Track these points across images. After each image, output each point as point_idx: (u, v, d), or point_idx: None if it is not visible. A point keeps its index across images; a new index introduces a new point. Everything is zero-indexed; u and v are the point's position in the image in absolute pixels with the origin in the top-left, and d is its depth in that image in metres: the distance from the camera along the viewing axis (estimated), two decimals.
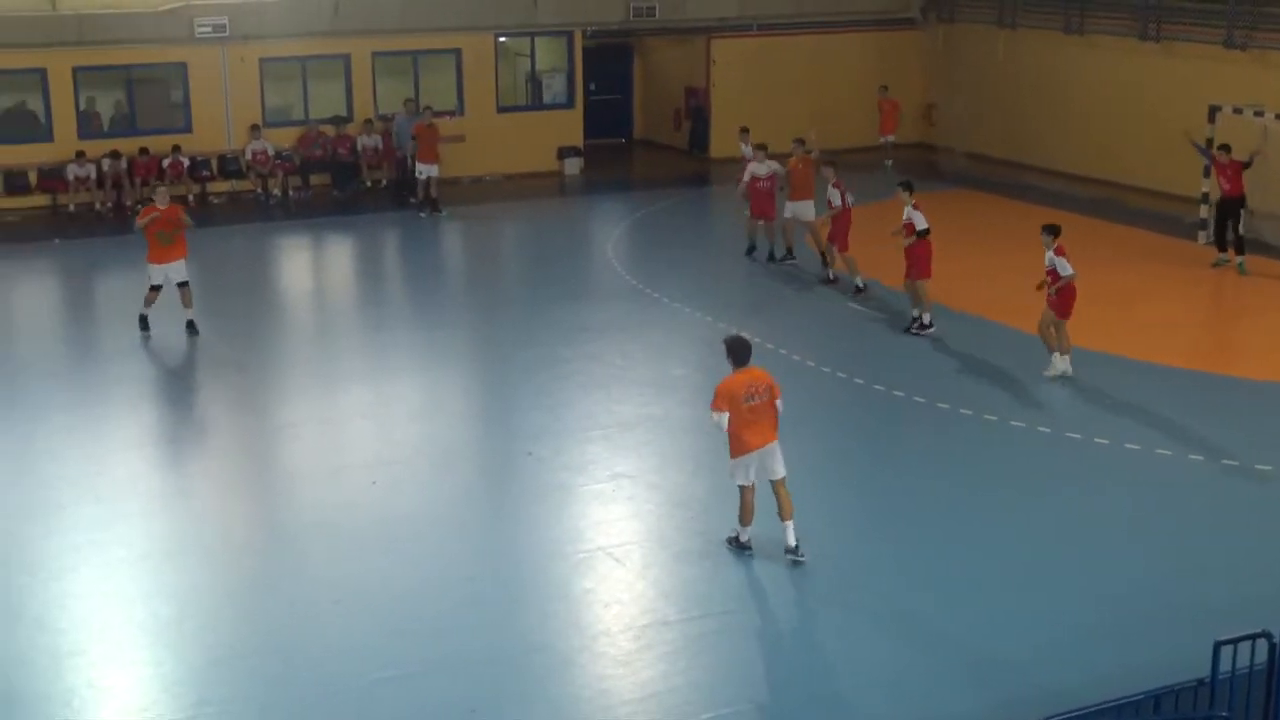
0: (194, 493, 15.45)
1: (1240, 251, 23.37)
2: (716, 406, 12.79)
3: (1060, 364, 18.03)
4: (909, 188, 20.24)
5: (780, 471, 12.99)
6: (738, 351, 12.94)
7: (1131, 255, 24.52)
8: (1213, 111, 24.98)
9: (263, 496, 15.46)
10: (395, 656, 11.68)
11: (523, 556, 13.59)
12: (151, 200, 21.09)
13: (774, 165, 23.54)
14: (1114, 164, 29.28)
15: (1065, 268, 17.74)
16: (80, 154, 28.26)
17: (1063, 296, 17.85)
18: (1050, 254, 17.85)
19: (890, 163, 31.90)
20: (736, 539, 13.30)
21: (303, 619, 12.38)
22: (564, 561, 13.40)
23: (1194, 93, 26.66)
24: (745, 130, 25.61)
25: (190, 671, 11.57)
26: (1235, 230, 23.41)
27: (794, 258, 23.89)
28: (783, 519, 13.09)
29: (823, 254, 23.00)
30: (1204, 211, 24.95)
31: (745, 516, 13.17)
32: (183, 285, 20.38)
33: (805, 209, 23.44)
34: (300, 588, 13.01)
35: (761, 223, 23.99)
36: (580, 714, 10.93)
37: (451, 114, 30.39)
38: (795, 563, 13.01)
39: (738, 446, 12.87)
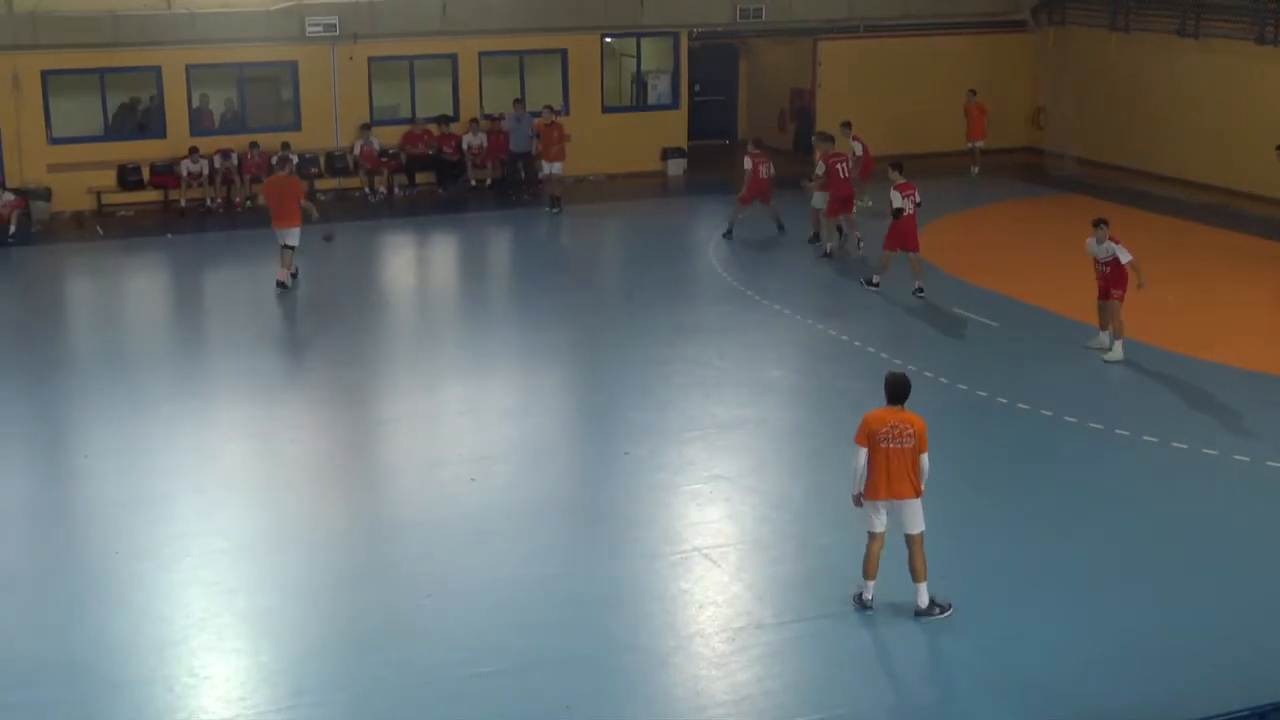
0: (293, 485, 15.60)
1: None
2: (856, 440, 12.03)
3: (1120, 349, 18.82)
4: (899, 167, 21.93)
5: (913, 528, 12.06)
6: (890, 387, 12.09)
7: (1245, 262, 24.10)
8: None
9: (361, 490, 15.60)
10: (491, 652, 11.73)
11: (619, 555, 13.58)
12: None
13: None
14: (1228, 170, 28.66)
15: (1125, 254, 18.62)
16: (193, 150, 28.72)
17: (1123, 282, 18.78)
18: (1107, 244, 18.63)
19: (976, 169, 31.55)
20: (859, 596, 12.31)
21: (400, 612, 12.47)
22: (660, 561, 13.38)
23: None
24: (847, 124, 27.50)
25: (287, 662, 11.70)
26: None
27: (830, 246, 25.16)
28: (914, 580, 12.17)
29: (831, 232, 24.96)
30: None
31: (868, 568, 12.22)
32: (285, 249, 22.84)
33: (821, 199, 25.12)
34: (397, 581, 13.11)
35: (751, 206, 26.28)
36: (674, 714, 10.91)
37: (556, 113, 30.52)
38: (921, 617, 12.15)
39: (869, 489, 12.04)
